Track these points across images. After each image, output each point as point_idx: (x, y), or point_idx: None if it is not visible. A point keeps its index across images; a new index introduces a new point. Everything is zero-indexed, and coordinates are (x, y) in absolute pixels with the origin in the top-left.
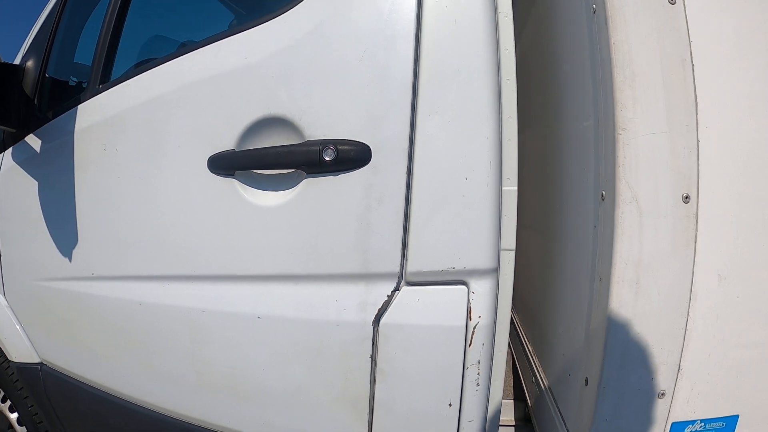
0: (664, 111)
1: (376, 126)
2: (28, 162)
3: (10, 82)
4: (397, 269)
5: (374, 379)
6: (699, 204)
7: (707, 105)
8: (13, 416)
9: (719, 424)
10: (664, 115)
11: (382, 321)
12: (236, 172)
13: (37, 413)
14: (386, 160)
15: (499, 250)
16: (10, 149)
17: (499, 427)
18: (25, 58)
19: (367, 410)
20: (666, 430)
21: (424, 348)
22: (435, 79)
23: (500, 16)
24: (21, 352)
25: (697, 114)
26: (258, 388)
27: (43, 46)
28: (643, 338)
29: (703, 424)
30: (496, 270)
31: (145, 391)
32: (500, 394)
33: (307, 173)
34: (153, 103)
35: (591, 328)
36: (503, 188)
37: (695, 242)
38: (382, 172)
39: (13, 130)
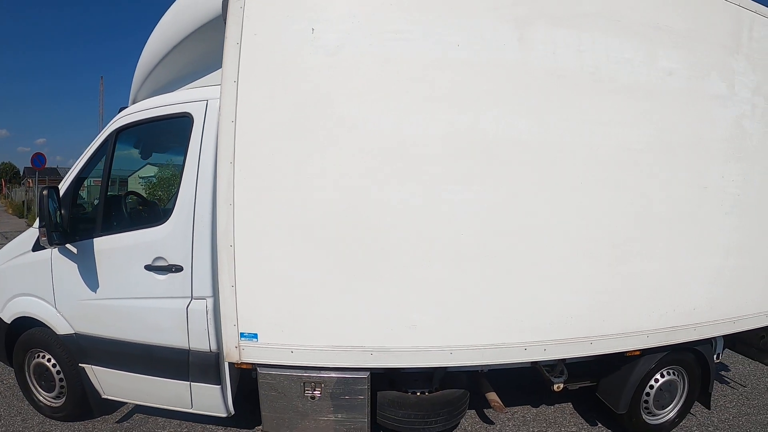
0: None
1: (185, 258)
2: (68, 255)
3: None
4: (189, 295)
5: (188, 321)
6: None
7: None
8: (49, 364)
9: (253, 335)
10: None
11: (189, 307)
12: (153, 271)
13: (69, 359)
14: (186, 271)
15: (215, 291)
16: (57, 248)
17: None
18: (61, 207)
19: (186, 331)
20: (239, 334)
21: (197, 312)
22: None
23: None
24: (64, 329)
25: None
26: (157, 327)
27: (69, 201)
28: (225, 307)
29: (247, 333)
30: (213, 295)
31: (126, 334)
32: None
33: (172, 272)
34: (124, 248)
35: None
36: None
37: (235, 288)
38: (185, 274)
39: (59, 244)
